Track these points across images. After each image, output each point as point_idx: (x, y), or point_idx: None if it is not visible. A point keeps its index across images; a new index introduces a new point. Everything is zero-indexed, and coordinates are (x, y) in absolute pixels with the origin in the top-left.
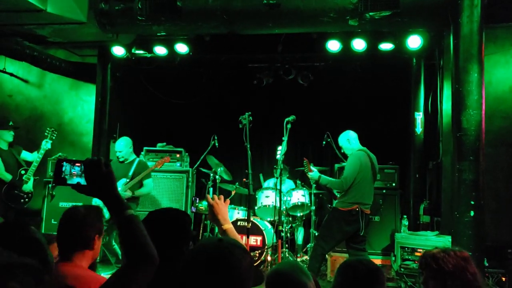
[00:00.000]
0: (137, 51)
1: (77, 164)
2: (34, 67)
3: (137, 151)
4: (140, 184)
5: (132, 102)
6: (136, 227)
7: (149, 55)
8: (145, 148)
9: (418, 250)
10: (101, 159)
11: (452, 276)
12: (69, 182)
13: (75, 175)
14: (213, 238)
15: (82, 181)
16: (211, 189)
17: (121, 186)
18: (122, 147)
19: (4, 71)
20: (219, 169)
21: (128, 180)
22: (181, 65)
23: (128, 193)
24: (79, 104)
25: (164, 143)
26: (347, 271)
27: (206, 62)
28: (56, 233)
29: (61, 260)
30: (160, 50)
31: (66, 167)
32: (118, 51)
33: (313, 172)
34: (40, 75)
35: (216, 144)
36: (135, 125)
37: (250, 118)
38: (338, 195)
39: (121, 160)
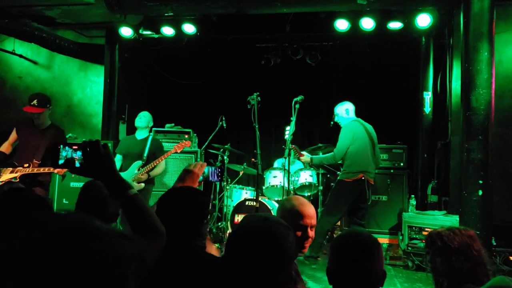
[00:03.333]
0: (144, 32)
1: (74, 147)
2: (43, 48)
3: None
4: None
5: (141, 83)
6: (140, 206)
7: (156, 36)
8: (153, 129)
9: (426, 229)
10: (99, 140)
11: (457, 253)
12: (67, 165)
13: (76, 159)
14: (258, 217)
15: (81, 163)
16: (223, 177)
17: (136, 169)
18: (146, 117)
19: (13, 53)
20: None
21: (143, 162)
22: (189, 45)
23: (145, 176)
24: (88, 86)
25: (173, 124)
26: (342, 243)
27: (214, 43)
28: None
29: None
30: (168, 31)
31: (66, 151)
32: (126, 32)
33: (304, 156)
34: (49, 56)
35: (224, 125)
36: (144, 106)
37: (259, 98)
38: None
39: (136, 124)
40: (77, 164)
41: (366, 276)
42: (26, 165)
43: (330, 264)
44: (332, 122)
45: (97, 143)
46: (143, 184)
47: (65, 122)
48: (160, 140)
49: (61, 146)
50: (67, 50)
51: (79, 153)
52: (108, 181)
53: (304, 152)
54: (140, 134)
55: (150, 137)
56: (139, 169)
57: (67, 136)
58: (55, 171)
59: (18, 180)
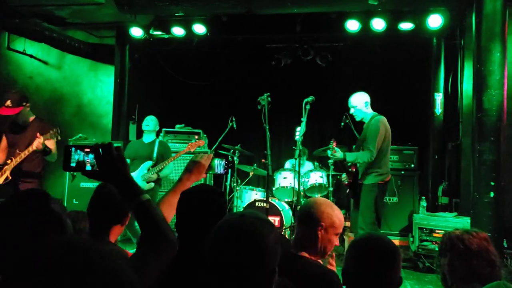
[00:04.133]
0: (155, 32)
1: (86, 150)
2: (54, 48)
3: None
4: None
5: (151, 83)
6: (151, 212)
7: (166, 36)
8: (163, 129)
9: (436, 231)
10: (112, 143)
11: (477, 256)
12: (77, 168)
13: (88, 162)
14: (235, 215)
15: (93, 167)
16: (229, 171)
17: (146, 169)
18: (153, 121)
19: (24, 53)
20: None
21: (153, 163)
22: (199, 46)
23: (155, 176)
24: (98, 86)
25: (183, 125)
26: (363, 248)
27: (224, 43)
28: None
29: (94, 236)
30: (178, 31)
31: (78, 154)
32: (136, 32)
33: (337, 152)
34: (60, 56)
35: (234, 126)
36: (154, 107)
37: (269, 99)
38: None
39: (143, 128)
40: (88, 167)
41: (384, 283)
42: (9, 161)
43: (347, 266)
44: (342, 124)
45: (110, 145)
46: (152, 184)
47: (75, 122)
48: (170, 140)
49: (73, 149)
50: (77, 50)
51: (91, 156)
52: (120, 184)
53: (336, 149)
54: (147, 138)
55: (158, 140)
56: (149, 169)
57: (77, 136)
58: (32, 147)
59: (10, 178)
